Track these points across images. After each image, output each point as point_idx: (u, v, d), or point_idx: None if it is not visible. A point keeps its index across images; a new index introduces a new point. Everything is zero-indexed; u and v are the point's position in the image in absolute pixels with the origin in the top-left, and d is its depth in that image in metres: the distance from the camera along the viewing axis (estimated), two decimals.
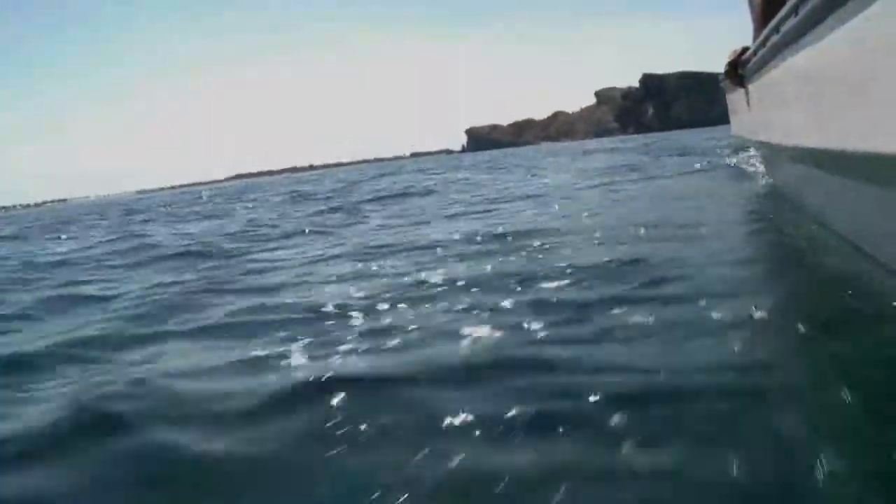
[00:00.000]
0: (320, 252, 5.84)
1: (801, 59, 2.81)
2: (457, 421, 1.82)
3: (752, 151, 7.71)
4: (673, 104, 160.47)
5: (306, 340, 2.79)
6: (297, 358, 2.56)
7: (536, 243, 4.61)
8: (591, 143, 63.96)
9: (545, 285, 3.28)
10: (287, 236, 7.76)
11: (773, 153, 5.07)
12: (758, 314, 2.42)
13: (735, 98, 5.90)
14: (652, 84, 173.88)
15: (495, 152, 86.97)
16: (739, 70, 4.81)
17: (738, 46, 4.81)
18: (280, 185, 38.09)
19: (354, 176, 30.52)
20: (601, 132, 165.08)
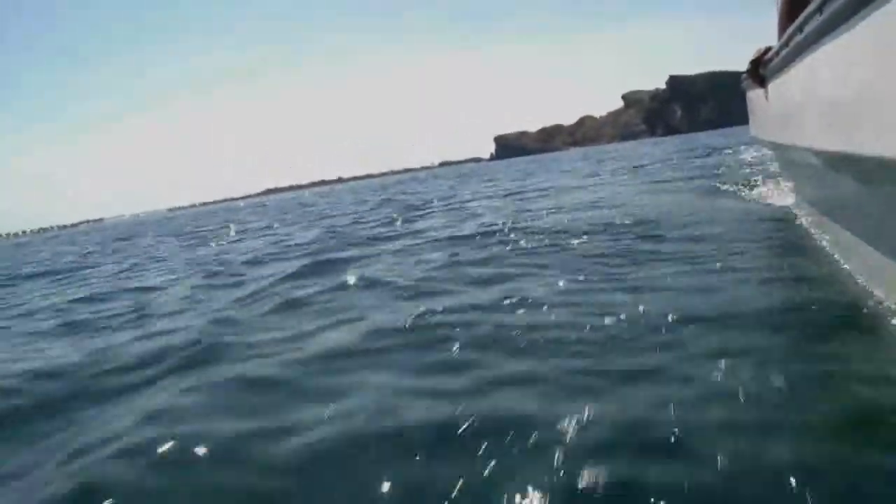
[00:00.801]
0: None
1: (824, 58, 2.77)
2: None
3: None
4: (701, 105, 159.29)
5: None
6: None
7: None
8: (627, 147, 63.25)
9: None
10: None
11: (791, 154, 4.99)
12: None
13: (755, 98, 5.79)
14: (679, 85, 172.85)
15: (532, 159, 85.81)
16: (761, 69, 4.75)
17: (762, 46, 4.76)
18: (347, 194, 37.10)
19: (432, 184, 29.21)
20: (628, 135, 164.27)
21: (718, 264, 3.92)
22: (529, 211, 9.25)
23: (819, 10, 2.61)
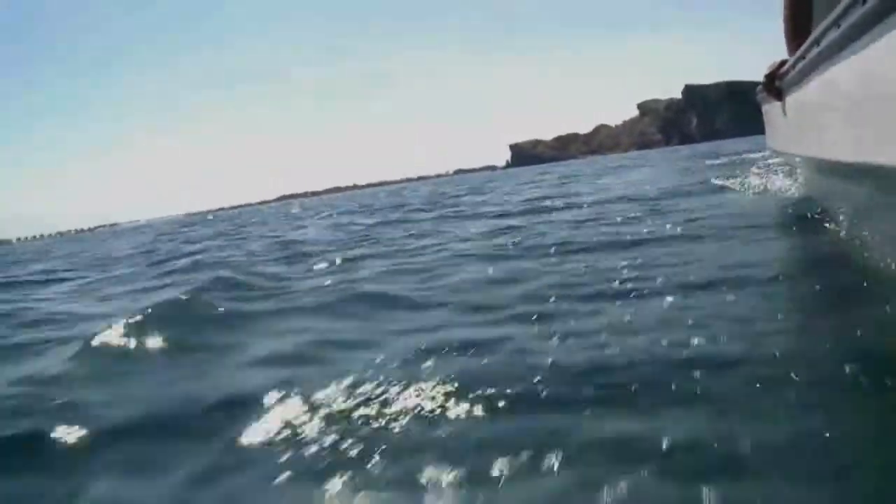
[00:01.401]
0: None
1: (842, 72, 2.78)
2: None
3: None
4: (716, 114, 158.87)
5: None
6: None
7: None
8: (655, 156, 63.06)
9: None
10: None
11: (809, 167, 4.99)
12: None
13: (771, 110, 5.82)
14: (694, 94, 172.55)
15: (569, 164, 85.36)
16: (777, 83, 4.78)
17: (777, 59, 4.79)
18: (383, 198, 36.40)
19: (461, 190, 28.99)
20: (644, 144, 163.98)
21: None
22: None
23: (836, 23, 2.63)
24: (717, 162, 18.34)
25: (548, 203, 11.44)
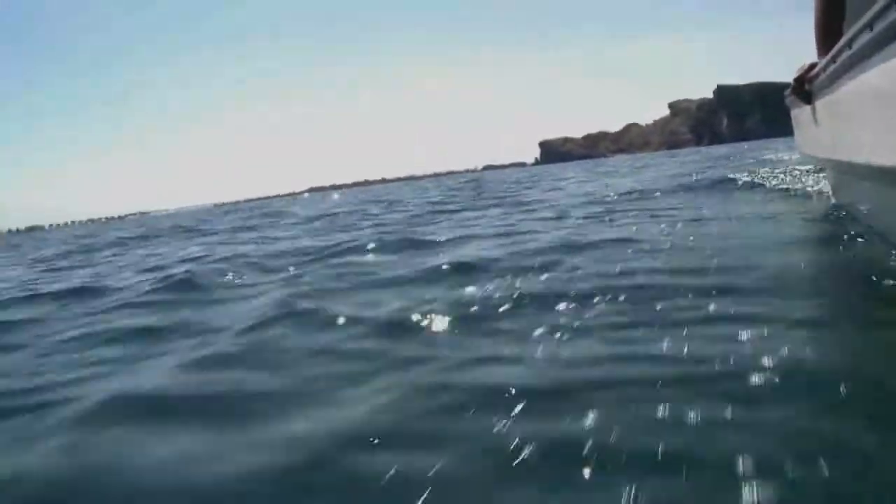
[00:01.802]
0: None
1: (876, 75, 2.73)
2: None
3: None
4: (748, 115, 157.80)
5: None
6: None
7: None
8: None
9: None
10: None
11: (841, 172, 4.90)
12: None
13: (801, 114, 5.74)
14: (726, 95, 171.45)
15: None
16: (806, 86, 4.68)
17: (806, 62, 4.69)
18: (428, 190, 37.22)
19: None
20: (674, 144, 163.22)
21: None
22: None
23: (869, 25, 2.57)
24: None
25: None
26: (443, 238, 6.66)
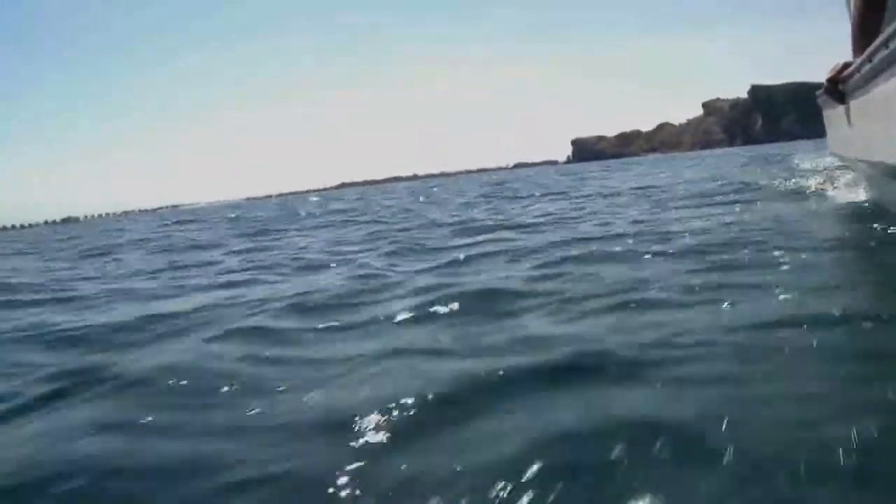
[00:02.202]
0: None
1: None
2: None
3: None
4: (782, 115, 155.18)
5: None
6: None
7: None
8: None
9: None
10: None
11: (877, 171, 4.89)
12: None
13: (834, 115, 5.66)
14: (760, 95, 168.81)
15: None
16: (840, 86, 4.69)
17: (839, 62, 4.70)
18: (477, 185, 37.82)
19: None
20: (707, 143, 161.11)
21: None
22: None
23: None
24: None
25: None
26: None
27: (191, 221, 27.85)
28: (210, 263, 8.60)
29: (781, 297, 2.98)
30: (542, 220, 9.76)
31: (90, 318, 4.73)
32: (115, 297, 5.85)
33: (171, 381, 2.83)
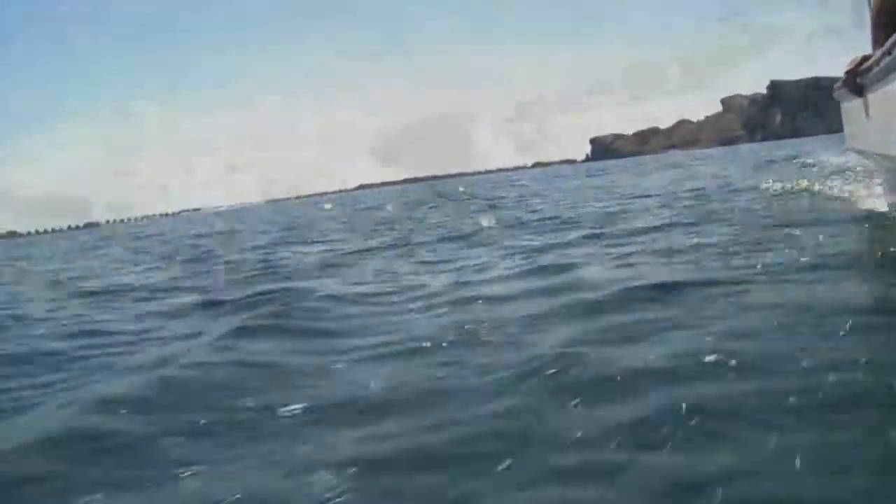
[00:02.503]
0: None
1: None
2: None
3: None
4: (801, 111, 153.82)
5: None
6: None
7: None
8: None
9: None
10: None
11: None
12: None
13: (851, 108, 5.59)
14: (780, 90, 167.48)
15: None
16: (858, 79, 4.66)
17: (858, 55, 4.69)
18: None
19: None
20: (725, 140, 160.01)
21: None
22: None
23: None
24: None
25: None
26: None
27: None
28: None
29: None
30: None
31: None
32: None
33: None
